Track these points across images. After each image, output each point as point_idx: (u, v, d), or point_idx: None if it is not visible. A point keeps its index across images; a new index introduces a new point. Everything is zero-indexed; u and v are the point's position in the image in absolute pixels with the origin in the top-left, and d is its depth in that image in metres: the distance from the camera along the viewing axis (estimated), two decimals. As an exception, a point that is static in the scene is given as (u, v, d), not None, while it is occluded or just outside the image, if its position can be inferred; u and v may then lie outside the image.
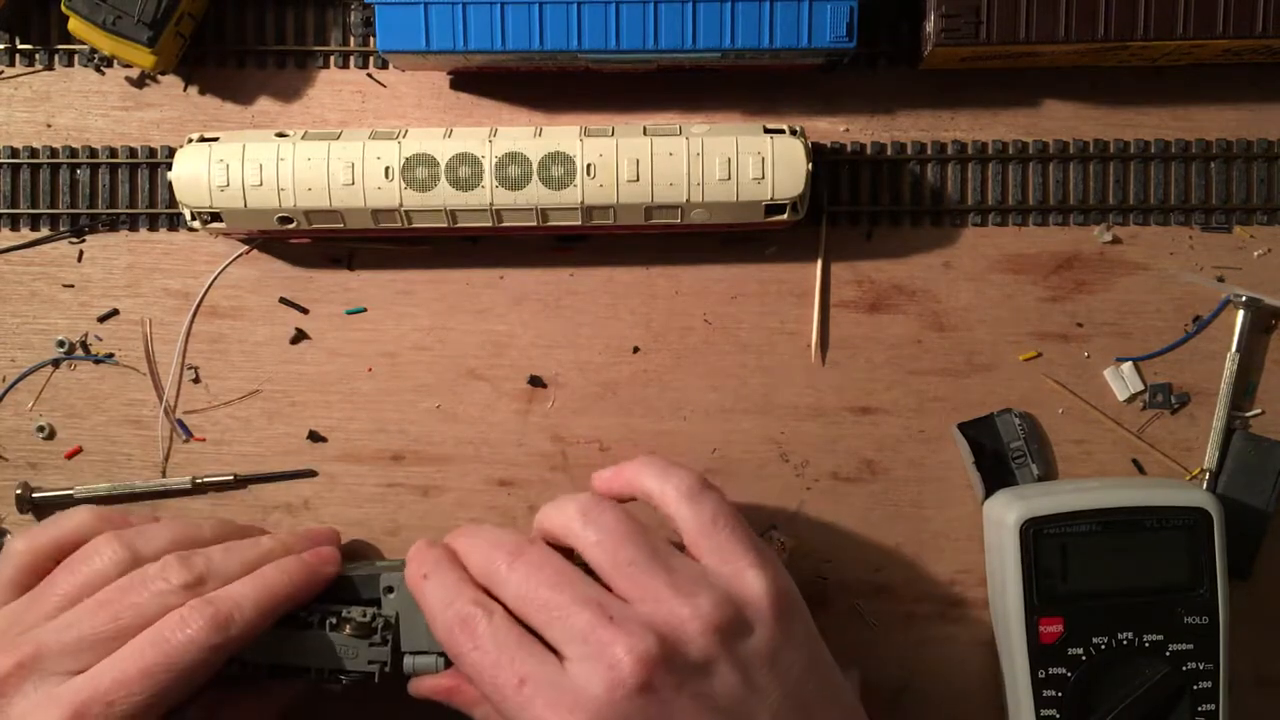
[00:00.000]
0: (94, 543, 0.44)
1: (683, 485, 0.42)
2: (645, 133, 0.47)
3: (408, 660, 0.44)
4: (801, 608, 0.42)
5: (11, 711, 0.38)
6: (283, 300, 0.52)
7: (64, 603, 0.42)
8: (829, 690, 0.41)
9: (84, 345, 0.52)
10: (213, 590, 0.42)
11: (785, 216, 0.48)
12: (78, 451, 0.52)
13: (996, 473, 0.51)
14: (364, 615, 0.43)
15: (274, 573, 0.43)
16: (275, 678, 0.44)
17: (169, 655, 0.39)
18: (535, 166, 0.47)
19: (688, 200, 0.47)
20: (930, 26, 0.48)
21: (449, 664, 0.43)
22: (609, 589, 0.40)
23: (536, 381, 0.52)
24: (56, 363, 0.51)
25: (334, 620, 0.43)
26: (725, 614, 0.39)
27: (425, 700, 0.44)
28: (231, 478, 0.51)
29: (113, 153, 0.51)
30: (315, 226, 0.48)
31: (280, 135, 0.48)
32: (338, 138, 0.47)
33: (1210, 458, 0.51)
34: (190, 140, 0.48)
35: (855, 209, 0.52)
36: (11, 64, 0.52)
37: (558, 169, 0.47)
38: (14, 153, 0.51)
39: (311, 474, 0.52)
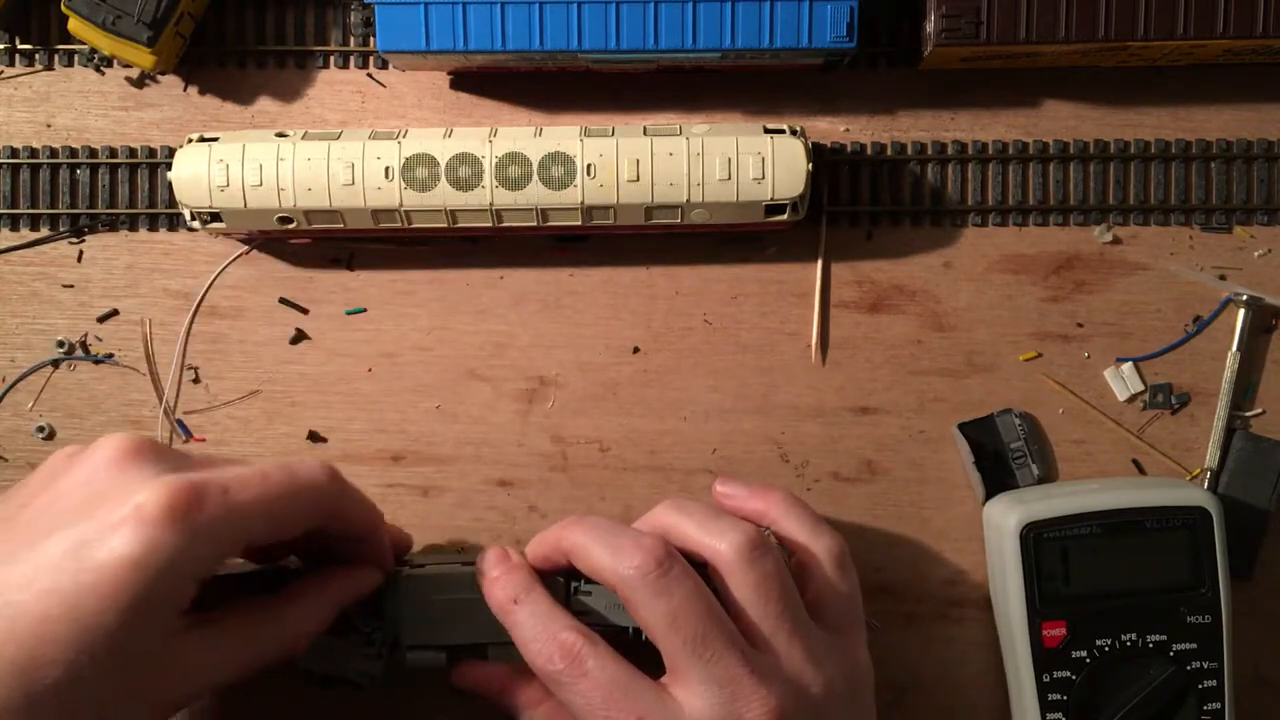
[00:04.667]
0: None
1: (834, 549, 0.44)
2: (645, 133, 0.47)
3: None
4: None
5: (124, 478, 0.36)
6: (283, 300, 0.52)
7: None
8: None
9: (84, 345, 0.51)
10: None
11: (785, 216, 0.48)
12: (77, 452, 0.51)
13: (996, 473, 0.51)
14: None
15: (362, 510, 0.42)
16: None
17: (294, 480, 0.38)
18: (535, 166, 0.47)
19: (688, 200, 0.47)
20: (930, 26, 0.48)
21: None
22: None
23: (537, 382, 0.52)
24: (56, 363, 0.51)
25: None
26: (841, 691, 0.41)
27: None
28: (231, 478, 0.51)
29: (113, 153, 0.51)
30: (315, 226, 0.48)
31: (280, 135, 0.48)
32: (338, 138, 0.47)
33: (1211, 457, 0.51)
34: (190, 140, 0.48)
35: (855, 209, 0.52)
36: (11, 64, 0.52)
37: (558, 169, 0.47)
38: (14, 153, 0.51)
39: (311, 474, 0.52)
